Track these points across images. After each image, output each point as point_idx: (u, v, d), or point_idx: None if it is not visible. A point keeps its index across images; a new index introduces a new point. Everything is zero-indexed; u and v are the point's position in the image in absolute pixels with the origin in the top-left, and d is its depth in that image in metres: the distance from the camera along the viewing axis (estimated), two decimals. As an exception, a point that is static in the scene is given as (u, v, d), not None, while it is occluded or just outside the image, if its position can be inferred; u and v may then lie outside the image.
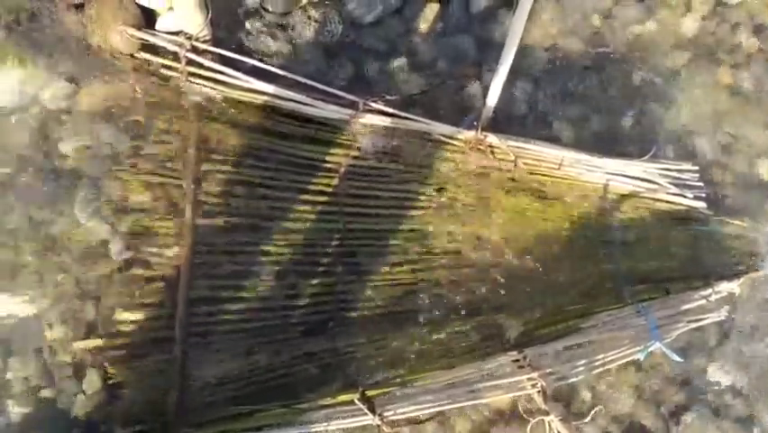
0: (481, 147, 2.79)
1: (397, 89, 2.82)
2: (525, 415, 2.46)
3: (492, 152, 2.81)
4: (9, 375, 2.23)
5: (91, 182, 2.39)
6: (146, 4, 2.45)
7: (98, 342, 2.27)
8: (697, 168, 3.01)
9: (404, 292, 2.63)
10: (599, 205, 2.90)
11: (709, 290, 2.75)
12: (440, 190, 2.78)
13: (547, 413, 2.39)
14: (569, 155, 2.83)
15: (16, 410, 2.22)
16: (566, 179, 2.88)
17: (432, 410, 2.34)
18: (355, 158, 2.69)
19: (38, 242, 2.31)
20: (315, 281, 2.55)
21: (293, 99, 2.59)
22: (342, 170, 2.67)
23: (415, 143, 2.76)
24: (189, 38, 2.48)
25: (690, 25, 3.26)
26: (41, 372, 2.26)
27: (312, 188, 2.63)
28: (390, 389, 2.35)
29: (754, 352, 2.88)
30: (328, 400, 2.30)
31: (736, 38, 3.30)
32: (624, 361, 2.55)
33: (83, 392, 2.25)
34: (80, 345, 2.26)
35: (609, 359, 2.51)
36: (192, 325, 2.36)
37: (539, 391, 2.41)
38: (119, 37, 2.44)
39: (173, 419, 2.23)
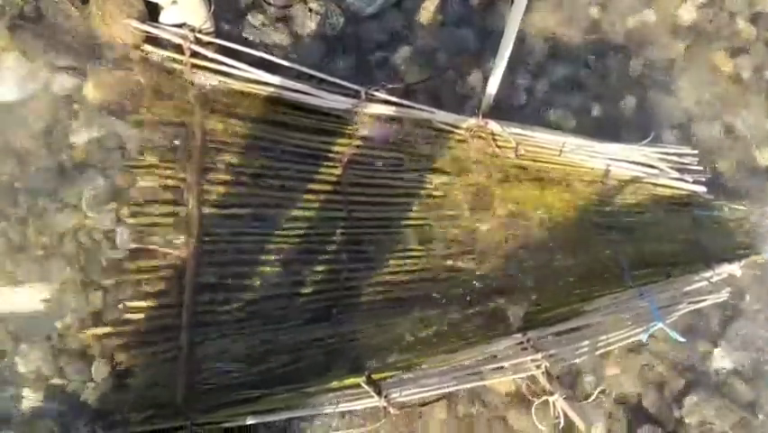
0: (483, 134, 2.82)
1: (399, 79, 2.84)
2: (529, 396, 2.47)
3: (494, 140, 2.84)
4: (19, 365, 2.24)
5: (97, 173, 2.42)
6: (150, -2, 2.49)
7: (106, 329, 2.30)
8: (696, 152, 3.03)
9: (408, 279, 2.65)
10: (601, 190, 2.92)
11: (710, 272, 2.76)
12: (442, 178, 2.80)
13: (551, 394, 2.40)
14: (570, 141, 2.85)
15: (26, 399, 2.23)
16: (567, 165, 2.90)
17: (437, 392, 2.36)
18: (358, 147, 2.72)
19: (45, 233, 2.34)
20: (319, 269, 2.57)
21: (296, 90, 2.63)
22: (346, 159, 2.69)
23: (417, 131, 2.78)
24: (193, 30, 2.53)
25: (688, 13, 3.29)
26: (50, 361, 2.27)
27: (316, 177, 2.65)
28: (396, 372, 2.36)
29: (759, 336, 2.88)
30: (335, 384, 2.31)
31: (735, 25, 3.32)
32: (626, 342, 2.57)
33: (92, 381, 2.26)
34: (88, 333, 2.29)
35: (612, 340, 2.53)
36: (199, 312, 2.39)
37: (543, 373, 2.43)
38: (124, 30, 2.48)
39: (181, 404, 2.25)
